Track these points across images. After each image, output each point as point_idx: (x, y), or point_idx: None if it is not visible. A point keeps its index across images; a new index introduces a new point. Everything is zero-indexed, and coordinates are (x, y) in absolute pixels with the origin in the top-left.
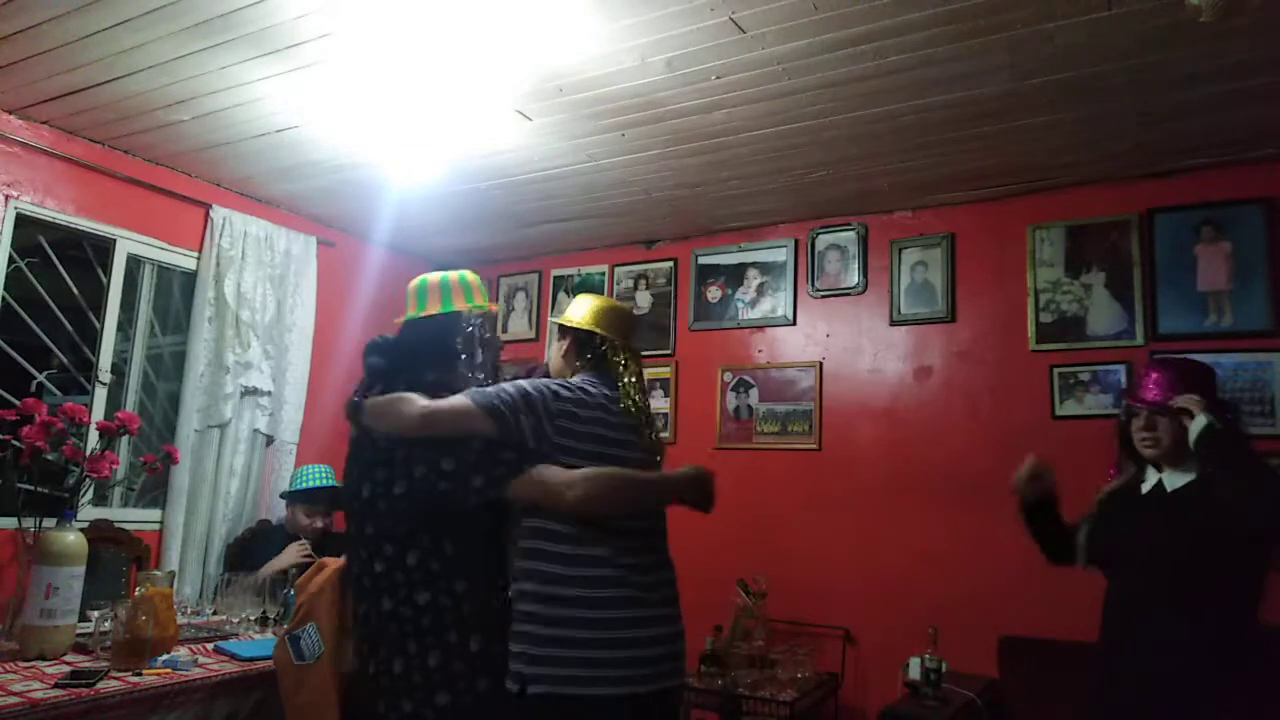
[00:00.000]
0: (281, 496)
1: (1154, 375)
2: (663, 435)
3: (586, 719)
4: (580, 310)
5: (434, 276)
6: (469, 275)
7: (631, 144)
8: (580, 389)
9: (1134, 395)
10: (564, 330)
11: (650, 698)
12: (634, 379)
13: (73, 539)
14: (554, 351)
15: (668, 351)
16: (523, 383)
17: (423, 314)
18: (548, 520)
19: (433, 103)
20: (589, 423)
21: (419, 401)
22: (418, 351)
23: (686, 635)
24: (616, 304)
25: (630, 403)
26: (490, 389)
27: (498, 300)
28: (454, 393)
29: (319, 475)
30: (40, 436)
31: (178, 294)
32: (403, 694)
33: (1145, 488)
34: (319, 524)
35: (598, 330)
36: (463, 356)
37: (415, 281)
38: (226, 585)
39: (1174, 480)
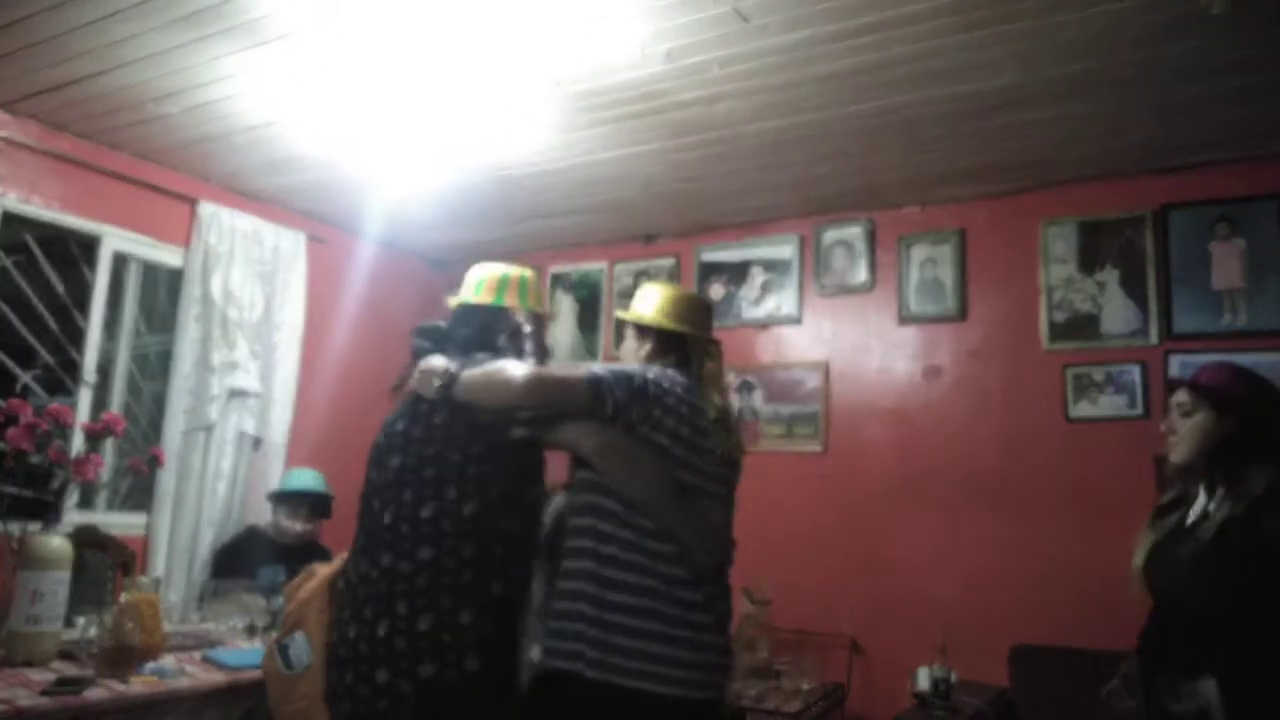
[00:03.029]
0: (268, 498)
1: (1212, 366)
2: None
3: (636, 713)
4: (656, 305)
5: (495, 268)
6: (528, 275)
7: (630, 137)
8: (682, 385)
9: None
10: (643, 330)
11: (699, 705)
12: (718, 378)
13: (58, 544)
14: (630, 352)
15: None
16: (633, 368)
17: (472, 302)
18: (627, 506)
19: (427, 95)
20: (683, 422)
21: (520, 369)
22: (462, 340)
23: None
24: (689, 293)
25: (714, 408)
26: (600, 367)
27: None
28: None
29: (305, 479)
30: (25, 439)
31: (164, 292)
32: (381, 662)
33: (1194, 513)
34: (298, 527)
35: (685, 329)
36: (506, 354)
37: (475, 269)
38: (213, 592)
39: (1220, 509)
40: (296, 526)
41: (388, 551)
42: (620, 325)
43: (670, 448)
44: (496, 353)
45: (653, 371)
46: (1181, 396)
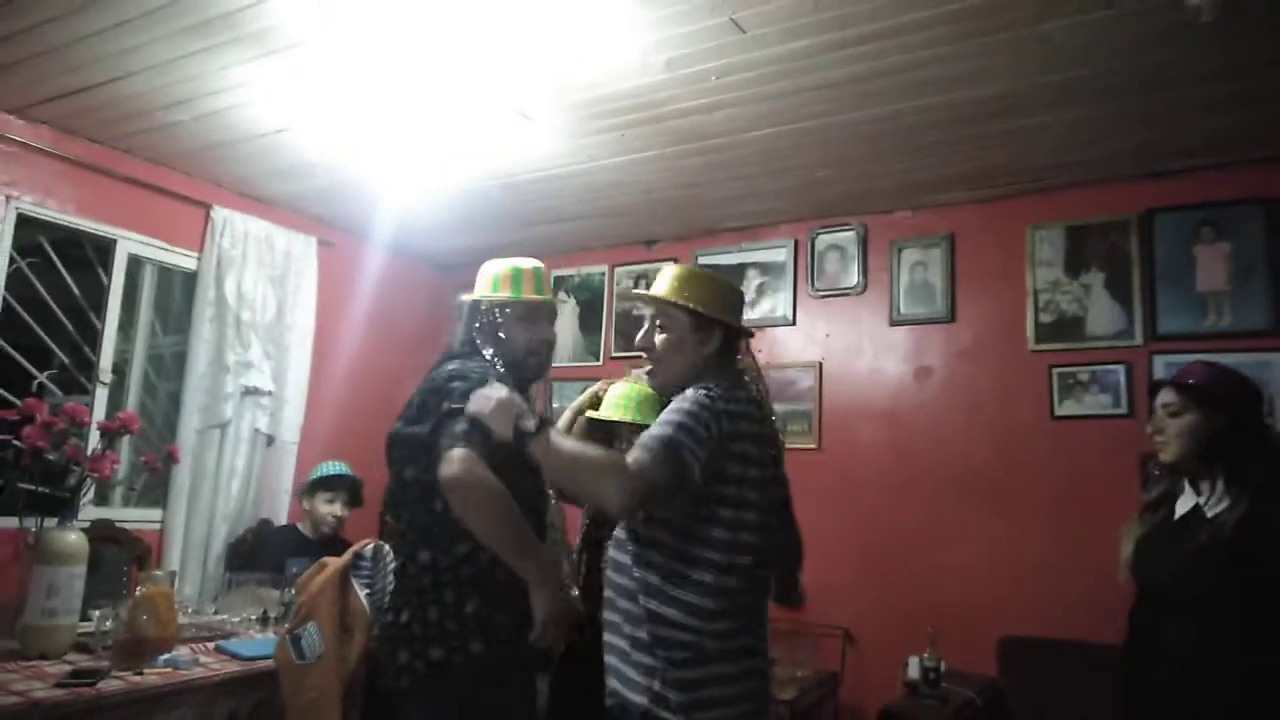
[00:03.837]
0: (300, 493)
1: (1194, 366)
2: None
3: None
4: (711, 296)
5: (494, 264)
6: (522, 266)
7: (631, 144)
8: (745, 400)
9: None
10: (704, 322)
11: None
12: (757, 368)
13: (74, 539)
14: (690, 348)
15: None
16: (697, 407)
17: (465, 299)
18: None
19: (433, 103)
20: (759, 443)
21: (612, 477)
22: (456, 340)
23: None
24: (724, 278)
25: (769, 409)
26: (668, 428)
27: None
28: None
29: (339, 467)
30: (41, 437)
31: (178, 294)
32: (402, 644)
33: (1181, 508)
34: (338, 511)
35: (733, 321)
36: (479, 351)
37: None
38: (228, 586)
39: (1213, 507)
40: (336, 510)
41: (400, 553)
42: (620, 308)
43: (760, 476)
44: (476, 350)
45: (719, 403)
46: (1168, 397)
